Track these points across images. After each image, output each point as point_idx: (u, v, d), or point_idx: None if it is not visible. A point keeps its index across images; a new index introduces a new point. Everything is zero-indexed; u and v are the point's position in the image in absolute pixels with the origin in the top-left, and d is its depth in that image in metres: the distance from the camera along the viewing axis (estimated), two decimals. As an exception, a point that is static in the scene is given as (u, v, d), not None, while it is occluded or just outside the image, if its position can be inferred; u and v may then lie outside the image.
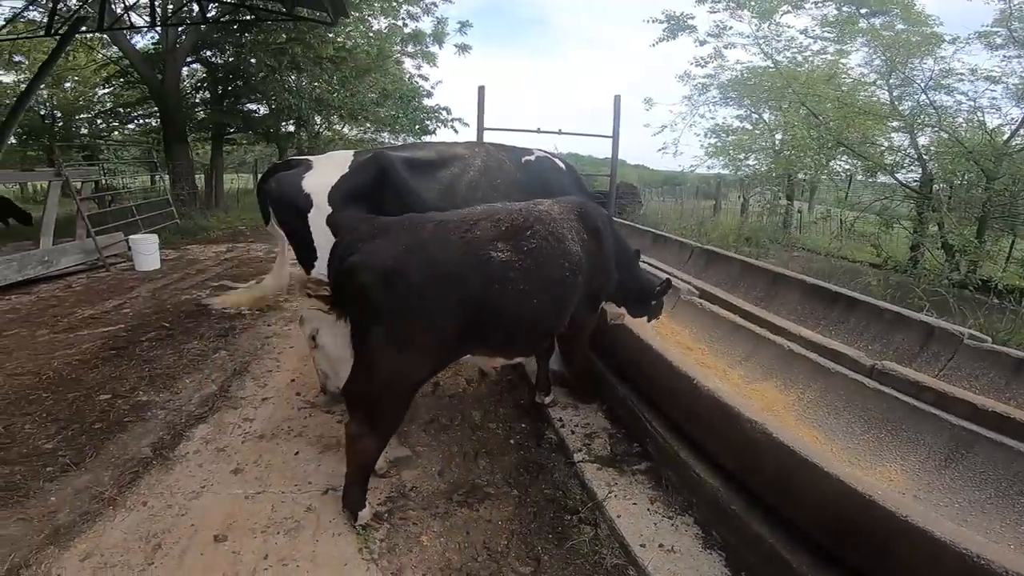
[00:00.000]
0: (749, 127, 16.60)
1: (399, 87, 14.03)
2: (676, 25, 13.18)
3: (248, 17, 9.62)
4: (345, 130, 18.81)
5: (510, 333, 2.60)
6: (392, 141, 24.46)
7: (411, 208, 2.88)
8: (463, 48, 14.99)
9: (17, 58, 13.91)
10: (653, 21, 13.52)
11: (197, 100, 13.14)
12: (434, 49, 15.20)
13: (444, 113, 14.61)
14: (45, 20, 8.82)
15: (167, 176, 10.43)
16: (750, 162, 15.97)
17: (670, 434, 2.82)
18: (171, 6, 10.72)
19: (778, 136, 15.83)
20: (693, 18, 13.59)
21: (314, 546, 2.39)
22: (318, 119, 13.97)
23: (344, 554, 2.34)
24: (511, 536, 2.50)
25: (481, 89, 9.89)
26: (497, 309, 2.44)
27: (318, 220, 3.05)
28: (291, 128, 14.57)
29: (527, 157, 3.59)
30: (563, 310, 2.77)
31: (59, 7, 8.39)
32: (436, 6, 13.77)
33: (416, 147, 3.50)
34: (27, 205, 12.45)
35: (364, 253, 2.31)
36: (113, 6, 8.66)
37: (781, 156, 13.88)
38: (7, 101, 12.04)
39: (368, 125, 19.18)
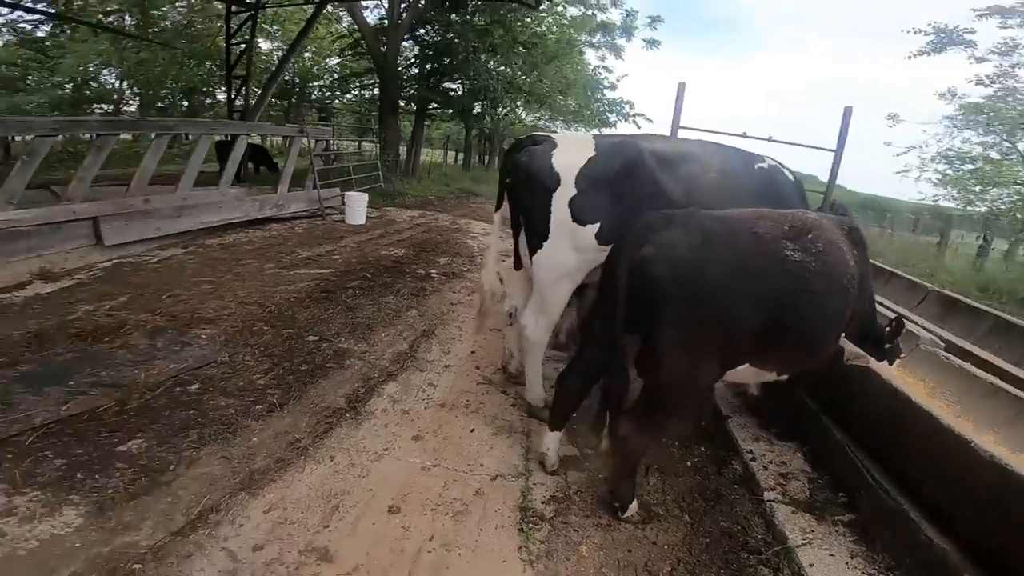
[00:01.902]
0: (997, 156, 13.34)
1: (582, 77, 13.31)
2: (946, 39, 10.55)
3: None
4: (524, 116, 18.81)
5: (798, 341, 2.35)
6: (570, 129, 24.21)
7: (654, 203, 2.67)
8: (652, 43, 13.73)
9: (273, 27, 16.13)
10: (916, 32, 11.10)
11: (409, 75, 13.88)
12: (621, 42, 14.13)
13: (627, 107, 13.53)
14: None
15: (377, 143, 11.13)
16: (988, 197, 13.08)
17: (897, 489, 2.41)
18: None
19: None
20: (973, 32, 10.81)
21: (477, 535, 2.24)
22: (507, 101, 13.88)
23: (504, 549, 2.19)
24: (676, 564, 2.24)
25: (681, 86, 8.70)
26: (792, 311, 2.23)
27: (561, 201, 2.79)
28: (479, 109, 14.79)
29: (759, 164, 3.17)
30: (842, 323, 2.50)
31: None
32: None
33: (654, 139, 3.17)
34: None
35: (658, 245, 2.14)
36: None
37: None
38: (262, 66, 13.88)
39: (544, 112, 18.96)
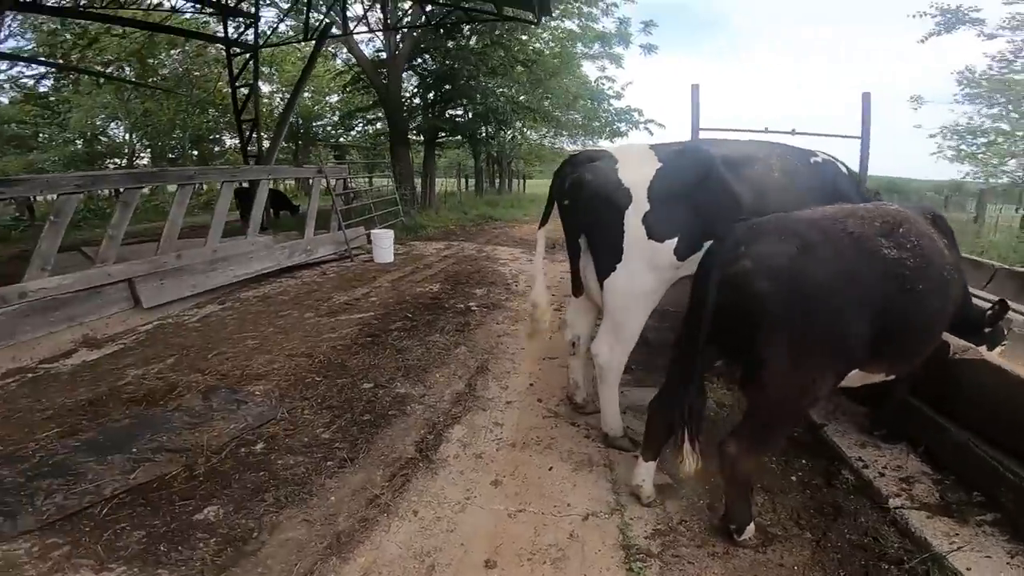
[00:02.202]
0: (1007, 127, 13.88)
1: (587, 89, 13.48)
2: (953, 19, 10.67)
3: (455, 20, 9.85)
4: (531, 134, 19.03)
5: (908, 340, 2.29)
6: (578, 145, 24.42)
7: (729, 210, 2.62)
8: (649, 48, 13.86)
9: (271, 69, 16.70)
10: (920, 15, 11.31)
11: (413, 105, 14.20)
12: (619, 50, 14.28)
13: (636, 115, 13.60)
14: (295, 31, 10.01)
15: (392, 177, 11.33)
16: (1008, 168, 13.68)
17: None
18: (397, 11, 11.60)
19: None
20: (979, 10, 11.15)
21: (582, 580, 2.08)
22: (514, 122, 14.09)
23: (615, 591, 2.02)
24: (810, 581, 2.07)
25: (695, 88, 8.66)
26: (900, 310, 2.16)
27: (634, 218, 2.70)
28: (487, 132, 15.02)
29: (815, 159, 3.09)
30: (947, 315, 2.43)
31: (310, 16, 9.46)
32: (616, 6, 12.87)
33: (715, 144, 3.09)
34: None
35: (755, 258, 2.06)
36: (348, 14, 9.54)
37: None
38: (264, 109, 14.23)
39: (550, 129, 19.20)
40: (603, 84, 14.13)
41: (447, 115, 14.11)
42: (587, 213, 2.81)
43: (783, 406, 2.15)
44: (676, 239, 2.68)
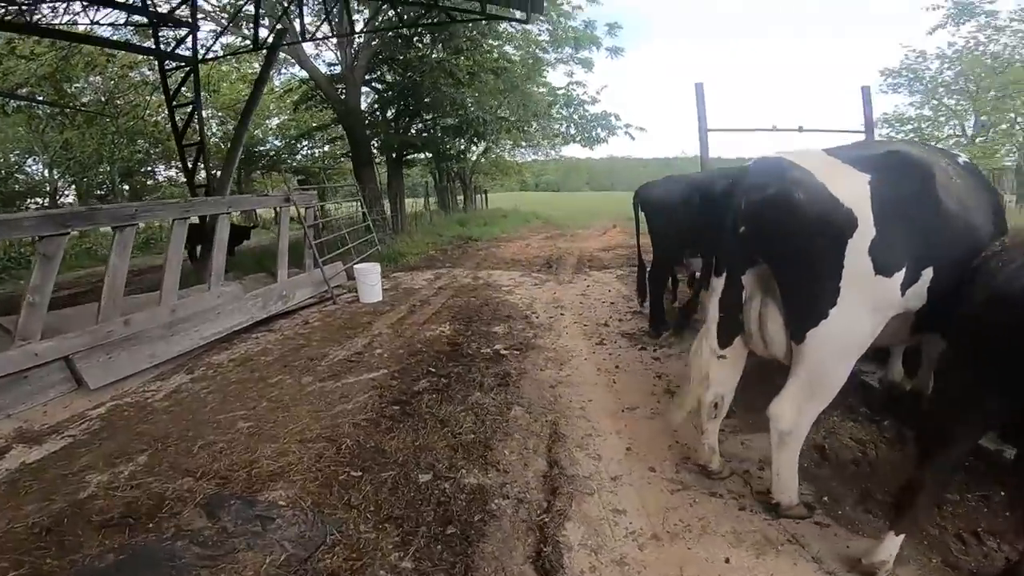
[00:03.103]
0: (929, 114, 16.81)
1: (558, 96, 13.33)
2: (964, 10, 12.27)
3: (433, 22, 9.37)
4: (495, 147, 18.73)
5: None
6: (540, 156, 24.32)
7: (947, 230, 2.28)
8: (615, 51, 13.91)
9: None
10: (933, 8, 12.15)
11: (376, 120, 13.55)
12: (586, 54, 14.20)
13: (614, 119, 13.52)
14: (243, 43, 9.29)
15: (360, 201, 10.59)
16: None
17: None
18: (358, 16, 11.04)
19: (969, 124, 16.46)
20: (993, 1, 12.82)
21: None
22: (491, 134, 13.70)
23: None
24: None
25: (699, 86, 8.62)
26: None
27: (859, 247, 2.22)
28: (459, 146, 14.60)
29: (961, 159, 2.71)
30: None
31: (260, 24, 8.73)
32: (581, 8, 12.85)
33: (903, 147, 2.58)
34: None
35: None
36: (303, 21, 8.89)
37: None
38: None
39: (522, 139, 18.99)
40: (573, 90, 13.99)
41: (415, 130, 13.54)
42: (784, 243, 2.34)
43: None
44: (903, 271, 2.25)
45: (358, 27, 10.65)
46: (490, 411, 3.81)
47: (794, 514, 2.54)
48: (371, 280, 7.41)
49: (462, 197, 20.82)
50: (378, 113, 13.31)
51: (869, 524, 2.52)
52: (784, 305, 2.45)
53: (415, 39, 11.76)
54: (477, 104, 12.07)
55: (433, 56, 11.93)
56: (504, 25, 12.34)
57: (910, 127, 17.27)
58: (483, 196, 23.55)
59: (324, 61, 13.14)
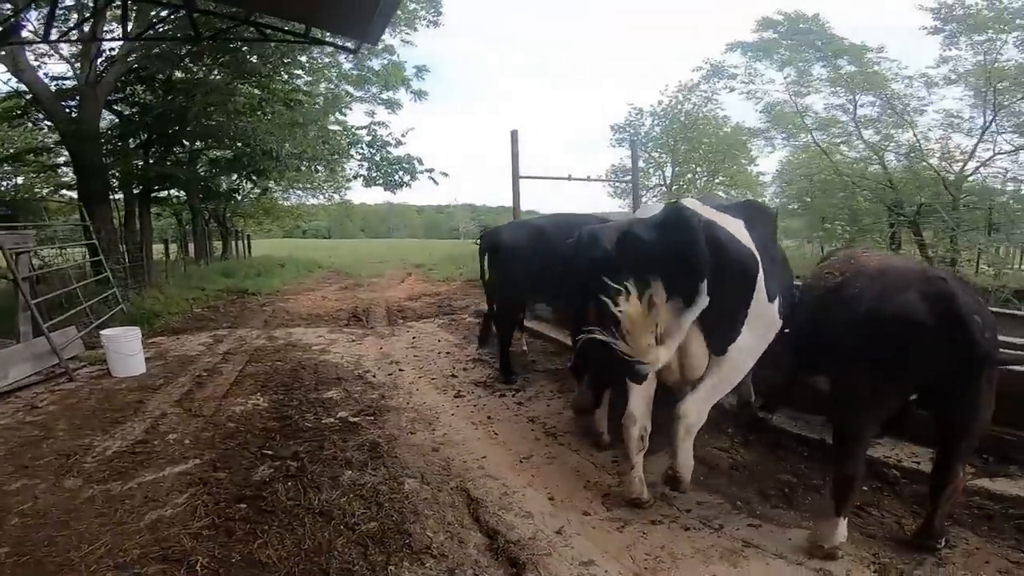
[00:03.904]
0: (642, 166, 20.42)
1: (360, 136, 13.10)
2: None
3: (235, 37, 8.26)
4: (272, 186, 17.35)
5: None
6: (319, 199, 23.11)
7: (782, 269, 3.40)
8: (419, 94, 14.35)
9: None
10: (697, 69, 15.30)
11: (116, 148, 11.09)
12: (389, 95, 14.22)
13: (417, 163, 13.66)
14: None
15: (95, 245, 8.32)
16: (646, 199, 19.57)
17: None
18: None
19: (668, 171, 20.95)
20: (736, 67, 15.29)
21: None
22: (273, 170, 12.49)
23: None
24: None
25: (514, 133, 9.39)
26: None
27: (760, 283, 3.03)
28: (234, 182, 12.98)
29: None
30: None
31: None
32: (393, 48, 13.05)
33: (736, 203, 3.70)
34: None
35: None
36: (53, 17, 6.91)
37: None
38: None
39: (300, 184, 17.94)
40: (375, 130, 13.63)
41: (166, 161, 11.42)
42: (722, 278, 2.82)
43: None
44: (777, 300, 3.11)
45: (116, 32, 8.73)
46: (379, 490, 3.25)
47: (686, 488, 3.07)
48: (129, 348, 5.80)
49: (220, 243, 18.25)
50: (120, 140, 10.88)
51: (784, 516, 3.00)
52: (709, 327, 2.91)
53: (188, 57, 10.10)
54: (265, 137, 10.85)
55: (213, 78, 10.39)
56: (312, 53, 11.58)
57: (628, 177, 20.28)
58: (245, 242, 21.05)
59: (44, 72, 10.26)
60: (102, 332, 5.94)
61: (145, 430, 4.19)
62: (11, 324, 5.79)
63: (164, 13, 7.63)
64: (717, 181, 21.68)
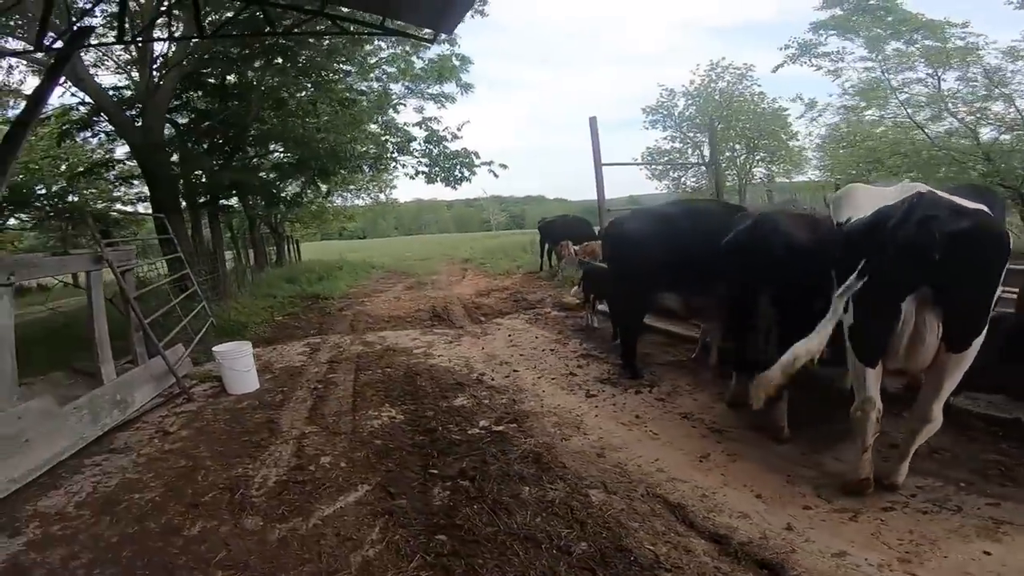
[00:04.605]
0: (679, 145, 20.92)
1: (408, 133, 12.97)
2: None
3: (319, 30, 8.17)
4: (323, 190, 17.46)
5: None
6: (361, 200, 23.27)
7: None
8: (466, 87, 14.00)
9: None
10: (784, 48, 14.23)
11: (187, 155, 11.21)
12: (439, 88, 13.88)
13: (474, 158, 13.41)
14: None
15: (180, 259, 8.42)
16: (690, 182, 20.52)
17: None
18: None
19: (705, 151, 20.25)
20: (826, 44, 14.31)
21: None
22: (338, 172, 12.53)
23: None
24: None
25: (593, 120, 9.13)
26: None
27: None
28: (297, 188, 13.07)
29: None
30: None
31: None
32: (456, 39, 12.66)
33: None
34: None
35: None
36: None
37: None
38: None
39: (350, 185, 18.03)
40: (430, 125, 13.42)
41: (252, 165, 11.53)
42: (983, 270, 2.79)
43: None
44: None
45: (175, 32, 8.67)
46: (571, 506, 3.09)
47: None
48: (242, 364, 5.80)
49: (274, 248, 18.52)
50: (183, 149, 11.01)
51: (1017, 493, 3.02)
52: (948, 319, 2.80)
53: (239, 60, 10.08)
54: (326, 137, 10.82)
55: (268, 80, 10.37)
56: (370, 47, 11.48)
57: (665, 159, 21.10)
58: (295, 247, 21.34)
59: (101, 84, 10.44)
60: (215, 349, 5.96)
61: (293, 454, 4.12)
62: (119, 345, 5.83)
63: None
64: (758, 157, 21.38)
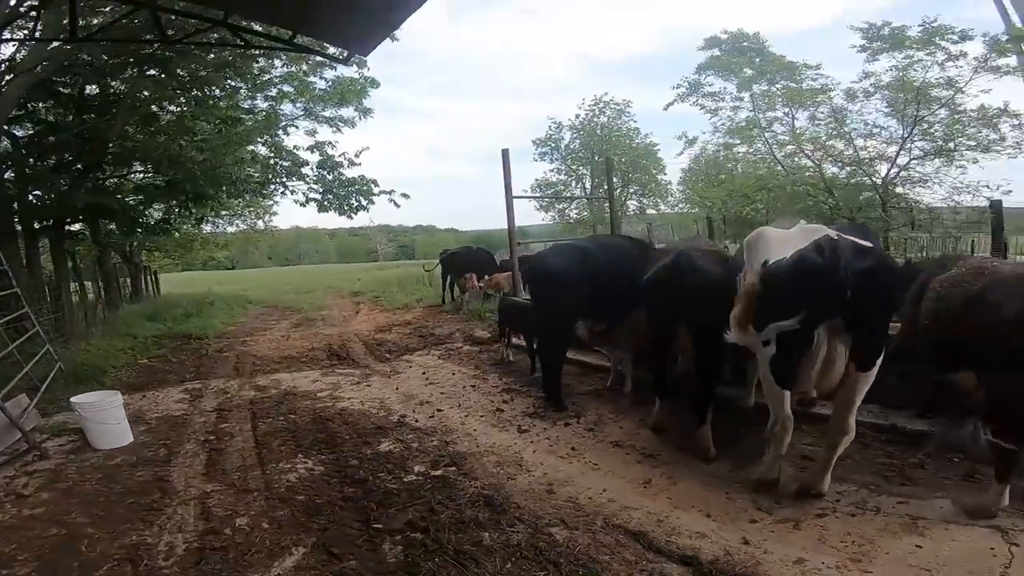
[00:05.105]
0: (564, 177, 23.12)
1: (320, 157, 12.32)
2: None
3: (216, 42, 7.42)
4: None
5: None
6: (234, 227, 21.49)
7: None
8: (365, 112, 13.68)
9: None
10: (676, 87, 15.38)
11: (33, 172, 9.54)
12: (337, 111, 13.31)
13: (372, 186, 12.90)
14: None
15: (15, 294, 7.06)
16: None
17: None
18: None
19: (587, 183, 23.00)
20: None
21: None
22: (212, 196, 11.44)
23: None
24: None
25: (505, 152, 9.22)
26: None
27: None
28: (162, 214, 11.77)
29: None
30: None
31: None
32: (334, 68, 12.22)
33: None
34: None
35: None
36: None
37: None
38: None
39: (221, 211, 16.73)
40: (325, 150, 12.66)
41: (82, 189, 10.02)
42: (883, 300, 3.27)
43: None
44: None
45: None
46: (539, 547, 2.97)
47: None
48: (113, 416, 4.98)
49: (128, 281, 16.36)
50: (34, 164, 9.34)
51: (915, 491, 3.50)
52: (856, 344, 3.20)
53: (109, 69, 8.91)
54: (209, 158, 9.84)
55: (141, 92, 9.24)
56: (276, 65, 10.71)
57: (551, 190, 22.81)
58: (153, 279, 19.06)
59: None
60: (75, 400, 5.05)
61: (199, 516, 3.56)
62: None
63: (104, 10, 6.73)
64: (632, 190, 23.41)
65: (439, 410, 5.64)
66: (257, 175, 12.33)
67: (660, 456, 4.22)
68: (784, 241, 3.56)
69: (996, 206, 8.84)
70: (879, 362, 3.25)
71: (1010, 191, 11.17)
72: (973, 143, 11.83)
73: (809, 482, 3.43)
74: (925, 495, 3.33)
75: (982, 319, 3.05)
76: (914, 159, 12.90)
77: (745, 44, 13.50)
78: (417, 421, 5.33)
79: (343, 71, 11.73)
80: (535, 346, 6.33)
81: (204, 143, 11.01)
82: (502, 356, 7.52)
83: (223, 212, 18.50)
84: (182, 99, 10.26)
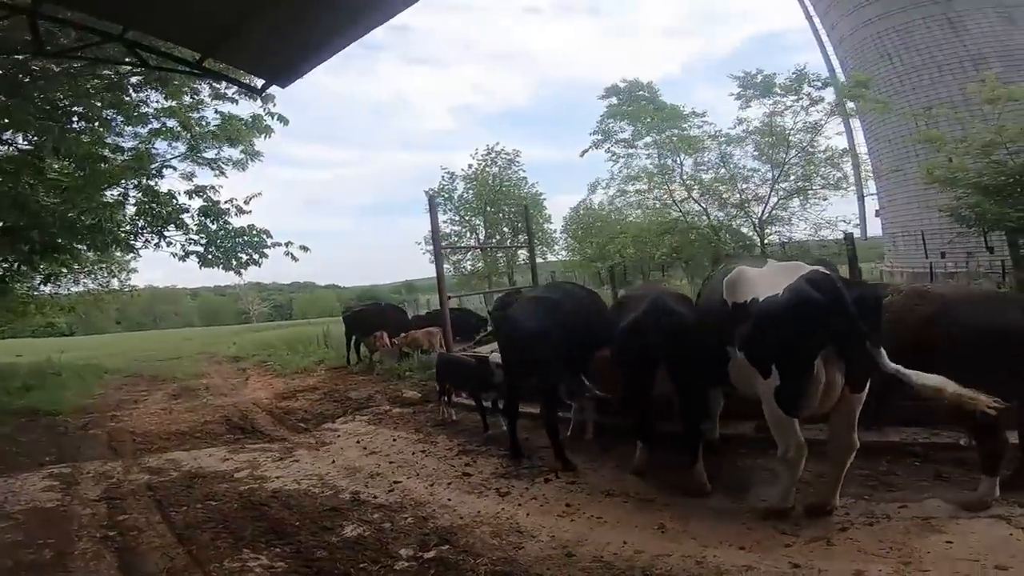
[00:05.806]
0: (458, 228, 23.51)
1: (203, 206, 11.05)
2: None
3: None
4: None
5: None
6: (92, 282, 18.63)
7: None
8: (254, 155, 12.68)
9: None
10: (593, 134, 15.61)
11: None
12: (219, 151, 12.10)
13: (264, 237, 11.60)
14: None
15: None
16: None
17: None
18: None
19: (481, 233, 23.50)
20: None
21: None
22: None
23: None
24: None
25: (432, 199, 8.89)
26: None
27: None
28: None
29: None
30: None
31: None
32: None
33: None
34: None
35: None
36: None
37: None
38: None
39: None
40: (208, 195, 11.23)
41: None
42: (872, 326, 3.36)
43: None
44: None
45: None
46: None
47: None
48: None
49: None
50: None
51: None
52: (851, 368, 3.40)
53: None
54: (70, 199, 8.38)
55: None
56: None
57: (445, 242, 21.87)
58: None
59: None
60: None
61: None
62: None
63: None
64: (522, 239, 24.17)
65: (396, 482, 5.04)
66: (126, 224, 10.87)
67: (657, 499, 4.18)
68: (767, 278, 3.75)
69: (849, 238, 10.15)
70: (869, 381, 3.48)
71: (858, 224, 12.94)
72: (823, 182, 13.56)
73: (822, 499, 3.57)
74: (915, 497, 3.59)
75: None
76: (780, 199, 14.52)
77: (640, 93, 14.63)
78: (376, 497, 4.70)
79: (231, 106, 10.82)
80: (503, 404, 5.94)
81: (59, 182, 9.55)
82: (442, 416, 7.04)
83: (64, 269, 16.03)
84: (32, 130, 8.73)
